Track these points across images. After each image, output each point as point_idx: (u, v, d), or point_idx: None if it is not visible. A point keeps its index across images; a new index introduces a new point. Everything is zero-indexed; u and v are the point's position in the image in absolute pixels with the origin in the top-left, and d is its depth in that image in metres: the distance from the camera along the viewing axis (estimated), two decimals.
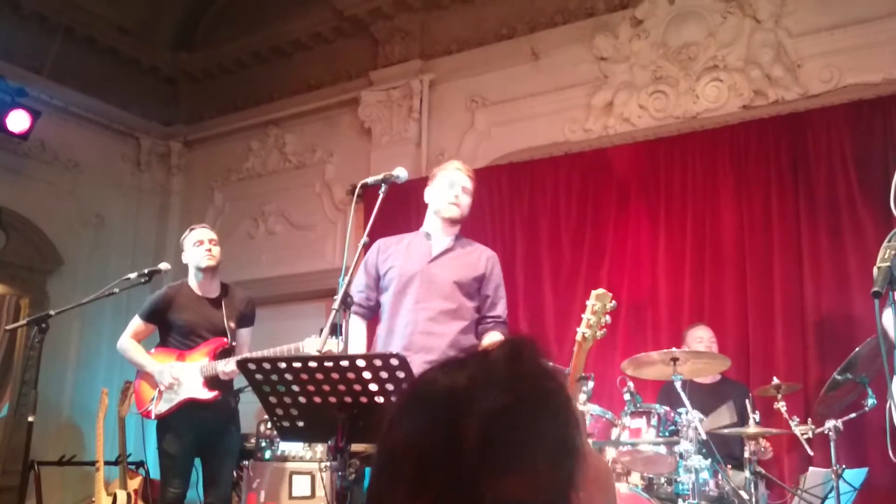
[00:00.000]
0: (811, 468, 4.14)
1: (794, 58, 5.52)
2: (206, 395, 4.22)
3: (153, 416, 4.28)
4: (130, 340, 4.45)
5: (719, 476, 3.77)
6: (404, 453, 0.73)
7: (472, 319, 3.35)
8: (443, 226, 3.47)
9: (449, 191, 3.46)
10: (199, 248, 4.39)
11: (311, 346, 3.95)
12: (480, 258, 3.46)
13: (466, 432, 0.71)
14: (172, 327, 4.38)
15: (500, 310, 3.43)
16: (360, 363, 2.27)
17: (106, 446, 5.34)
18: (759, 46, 5.60)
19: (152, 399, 4.29)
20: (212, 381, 4.22)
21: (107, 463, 5.33)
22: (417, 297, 3.29)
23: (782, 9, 5.59)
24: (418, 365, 2.75)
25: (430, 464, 0.71)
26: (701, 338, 4.70)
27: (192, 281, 4.45)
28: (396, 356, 2.27)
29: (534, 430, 0.73)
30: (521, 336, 0.82)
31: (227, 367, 4.15)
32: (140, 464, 6.20)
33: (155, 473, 6.93)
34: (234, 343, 4.35)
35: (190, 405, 4.23)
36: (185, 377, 4.24)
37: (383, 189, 3.05)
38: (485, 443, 0.71)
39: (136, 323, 4.48)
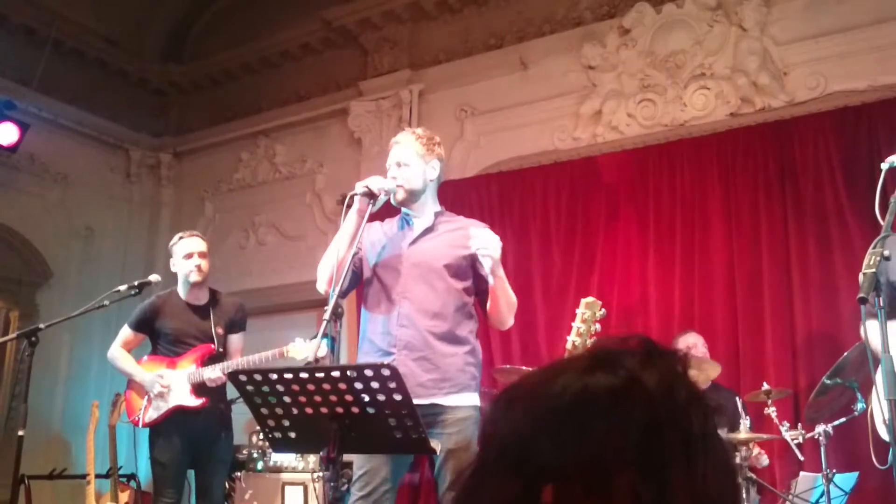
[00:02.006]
0: (802, 473, 4.17)
1: (780, 65, 5.56)
2: (194, 402, 4.20)
3: (141, 424, 4.27)
4: (120, 350, 4.44)
5: None
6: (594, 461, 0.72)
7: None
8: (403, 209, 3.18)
9: (388, 173, 3.11)
10: (187, 261, 4.36)
11: (297, 349, 3.96)
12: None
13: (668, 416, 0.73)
14: (161, 335, 4.37)
15: None
16: (351, 374, 2.27)
17: (97, 459, 5.31)
18: (745, 54, 5.65)
19: (142, 407, 4.28)
20: (199, 388, 4.21)
21: (97, 476, 5.31)
22: None
23: (768, 17, 5.64)
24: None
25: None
26: (695, 344, 4.69)
27: (181, 289, 4.44)
28: (388, 366, 2.28)
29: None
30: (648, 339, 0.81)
31: (214, 373, 4.13)
32: (131, 476, 6.18)
33: (147, 486, 6.91)
34: (220, 349, 4.34)
35: (179, 413, 4.22)
36: (173, 385, 4.23)
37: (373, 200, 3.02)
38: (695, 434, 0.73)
39: (126, 333, 4.47)
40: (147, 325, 4.41)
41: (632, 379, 0.75)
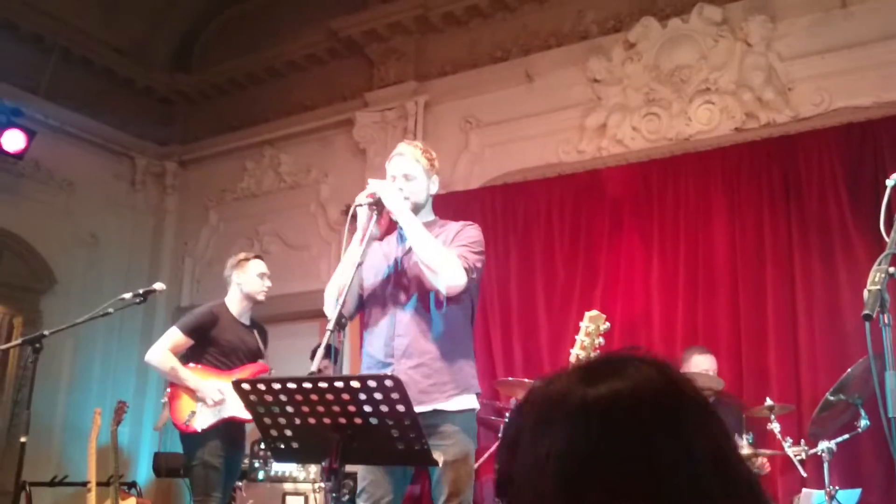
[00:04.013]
0: (804, 489, 4.15)
1: (785, 81, 5.57)
2: (248, 415, 4.24)
3: (199, 430, 4.28)
4: (168, 353, 4.40)
5: None
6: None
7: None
8: None
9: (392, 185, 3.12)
10: (262, 280, 4.56)
11: None
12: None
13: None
14: (213, 345, 4.44)
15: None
16: (355, 384, 2.28)
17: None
18: (750, 70, 5.66)
19: (192, 413, 4.30)
20: None
21: (99, 484, 5.31)
22: None
23: (773, 33, 5.65)
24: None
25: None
26: (707, 370, 4.60)
27: (233, 304, 4.56)
28: (391, 377, 2.28)
29: None
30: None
31: None
32: (132, 484, 6.18)
33: (148, 493, 6.90)
34: (273, 370, 4.44)
35: (228, 423, 4.31)
36: (228, 395, 4.26)
37: (376, 210, 3.04)
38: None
39: (176, 336, 4.44)
40: (202, 333, 4.44)
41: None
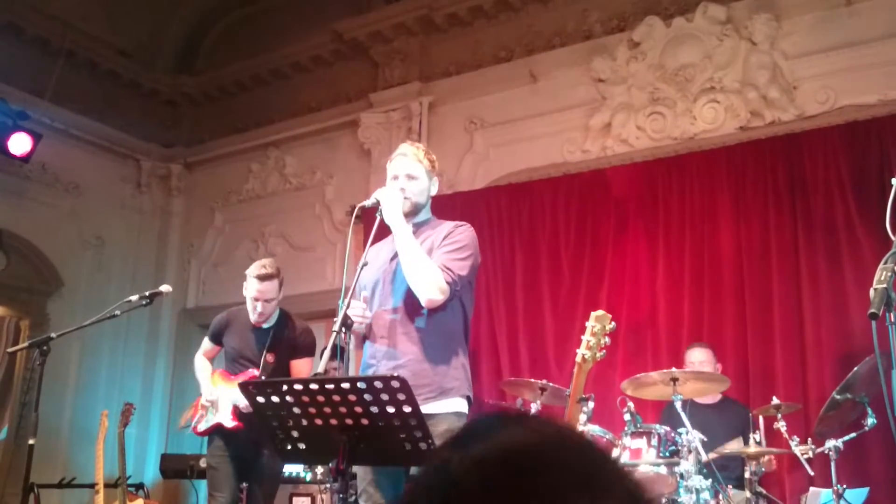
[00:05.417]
0: (812, 488, 4.15)
1: (790, 79, 5.56)
2: (229, 423, 4.28)
3: (197, 432, 4.49)
4: (201, 358, 4.62)
5: (720, 496, 3.77)
6: None
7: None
8: None
9: (394, 183, 3.16)
10: (253, 302, 4.32)
11: None
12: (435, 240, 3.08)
13: None
14: (225, 351, 4.54)
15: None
16: (361, 385, 2.28)
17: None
18: (755, 68, 5.65)
19: (200, 415, 4.45)
20: (240, 411, 4.22)
21: (106, 485, 5.32)
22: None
23: (778, 31, 5.65)
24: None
25: None
26: (700, 361, 4.64)
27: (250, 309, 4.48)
28: (397, 378, 2.28)
29: None
30: None
31: (242, 401, 3.97)
32: (139, 486, 6.20)
33: (155, 495, 6.93)
34: (263, 377, 4.27)
35: (220, 429, 4.34)
36: (221, 402, 4.35)
37: (380, 211, 3.06)
38: None
39: (205, 343, 4.65)
40: (218, 338, 4.57)
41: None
